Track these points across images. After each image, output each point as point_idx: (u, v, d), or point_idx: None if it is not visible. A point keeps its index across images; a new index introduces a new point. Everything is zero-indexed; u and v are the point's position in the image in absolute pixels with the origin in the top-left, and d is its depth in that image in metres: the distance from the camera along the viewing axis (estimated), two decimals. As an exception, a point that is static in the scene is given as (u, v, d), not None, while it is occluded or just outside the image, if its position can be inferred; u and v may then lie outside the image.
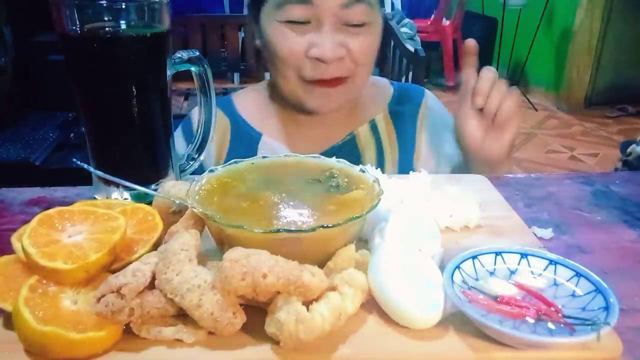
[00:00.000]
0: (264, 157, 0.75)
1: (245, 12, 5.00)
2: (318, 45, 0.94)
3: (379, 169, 0.81)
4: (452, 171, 1.13)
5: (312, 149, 1.11)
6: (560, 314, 0.54)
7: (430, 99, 1.20)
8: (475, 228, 0.76)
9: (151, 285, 0.54)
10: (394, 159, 1.14)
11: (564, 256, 0.61)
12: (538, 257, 0.62)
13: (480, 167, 0.99)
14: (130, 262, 0.56)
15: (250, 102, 1.18)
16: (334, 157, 0.74)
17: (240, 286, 0.51)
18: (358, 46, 0.97)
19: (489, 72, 0.93)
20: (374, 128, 1.14)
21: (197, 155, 0.87)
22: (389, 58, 2.45)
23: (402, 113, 1.16)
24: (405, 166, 1.14)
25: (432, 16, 5.29)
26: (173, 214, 0.70)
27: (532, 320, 0.54)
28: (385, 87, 1.20)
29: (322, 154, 1.09)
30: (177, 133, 1.15)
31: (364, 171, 0.71)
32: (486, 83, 0.92)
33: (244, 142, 1.13)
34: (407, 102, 1.17)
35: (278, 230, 0.57)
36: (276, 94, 1.12)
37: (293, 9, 0.94)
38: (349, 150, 1.12)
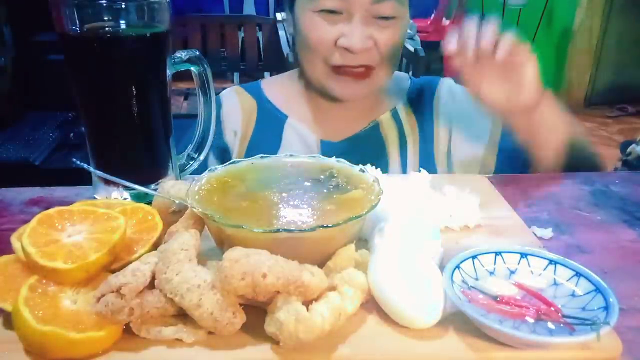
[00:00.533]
0: (263, 157, 0.75)
1: (243, 8, 5.01)
2: (347, 35, 0.98)
3: (378, 169, 0.81)
4: (489, 143, 1.12)
5: (336, 134, 1.15)
6: (560, 314, 0.54)
7: (445, 85, 1.20)
8: (475, 228, 0.76)
9: (151, 285, 0.54)
10: (415, 147, 1.16)
11: (564, 256, 0.61)
12: (538, 257, 0.62)
13: (524, 122, 0.96)
14: (130, 262, 0.56)
15: (278, 87, 1.23)
16: (334, 158, 0.74)
17: (240, 286, 0.51)
18: (385, 39, 1.00)
19: (470, 26, 0.86)
20: (396, 116, 1.16)
21: (197, 155, 0.87)
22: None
23: (420, 102, 1.18)
24: (427, 155, 1.16)
25: (432, 16, 5.29)
26: (173, 214, 0.70)
27: (532, 320, 0.54)
28: (404, 79, 1.23)
29: (346, 140, 1.14)
30: None
31: (364, 171, 0.71)
32: (469, 39, 0.86)
33: (271, 122, 1.16)
34: (423, 91, 1.19)
35: (278, 230, 0.57)
36: (304, 83, 1.16)
37: None
38: (373, 137, 1.15)
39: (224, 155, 1.14)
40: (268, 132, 1.16)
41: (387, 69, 1.06)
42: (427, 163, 1.14)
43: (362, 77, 1.03)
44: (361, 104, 1.13)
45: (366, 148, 1.14)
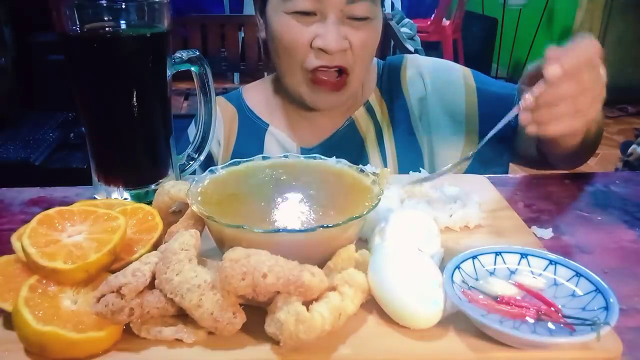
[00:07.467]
0: (263, 157, 0.75)
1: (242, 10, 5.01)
2: (322, 36, 0.97)
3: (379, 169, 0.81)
4: (466, 119, 1.10)
5: (315, 138, 1.14)
6: (560, 314, 0.54)
7: (410, 60, 1.17)
8: (475, 228, 0.76)
9: (151, 285, 0.54)
10: (390, 134, 1.14)
11: (564, 256, 0.61)
12: (538, 257, 0.62)
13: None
14: (130, 262, 0.56)
15: (258, 94, 1.22)
16: (334, 157, 0.74)
17: (240, 286, 0.51)
18: (360, 40, 0.99)
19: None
20: (369, 109, 1.15)
21: (197, 155, 0.87)
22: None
23: (388, 86, 1.17)
24: (403, 139, 1.13)
25: (432, 16, 5.29)
26: (173, 214, 0.70)
27: (532, 320, 0.54)
28: (374, 66, 1.20)
29: (325, 141, 1.12)
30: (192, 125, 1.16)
31: (363, 171, 0.71)
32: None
33: (252, 131, 1.16)
34: (390, 73, 1.17)
35: (278, 230, 0.57)
36: (280, 88, 1.15)
37: (300, 0, 0.96)
38: (350, 135, 1.14)
39: (208, 163, 1.13)
40: (250, 140, 1.15)
41: (360, 73, 1.04)
42: (406, 148, 1.12)
43: (337, 87, 1.01)
44: (338, 107, 1.11)
45: (344, 148, 1.12)
